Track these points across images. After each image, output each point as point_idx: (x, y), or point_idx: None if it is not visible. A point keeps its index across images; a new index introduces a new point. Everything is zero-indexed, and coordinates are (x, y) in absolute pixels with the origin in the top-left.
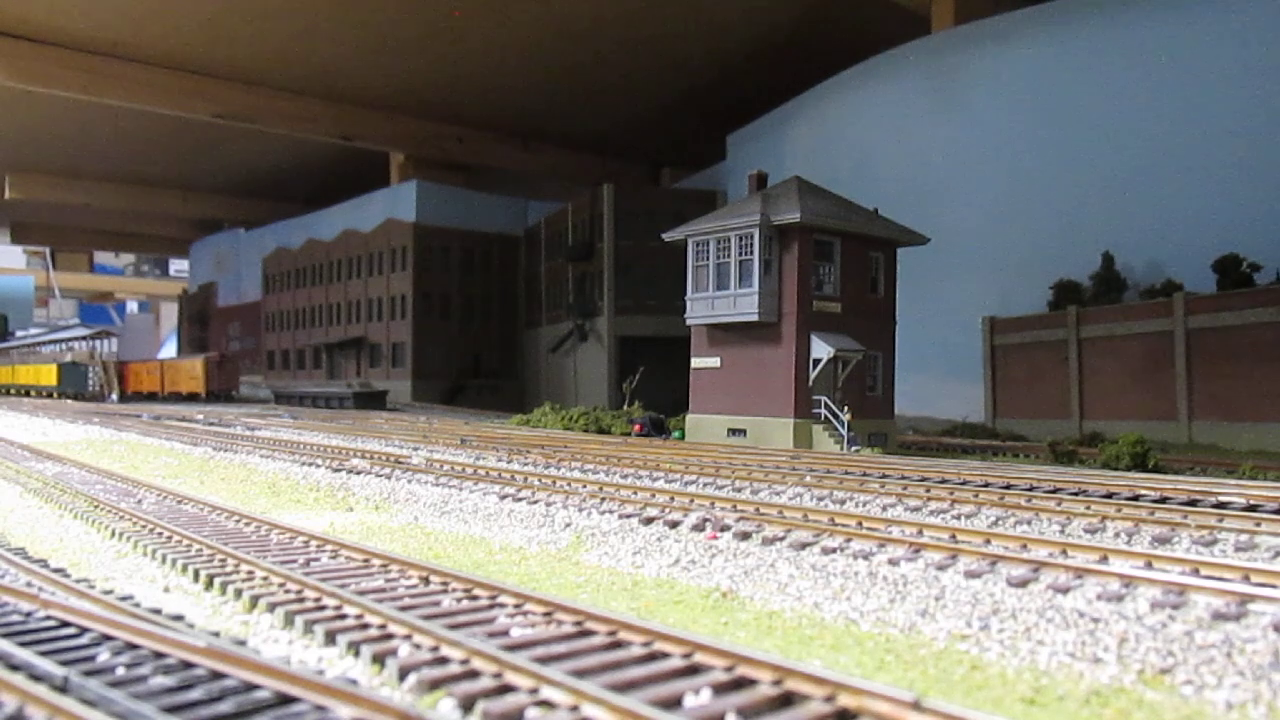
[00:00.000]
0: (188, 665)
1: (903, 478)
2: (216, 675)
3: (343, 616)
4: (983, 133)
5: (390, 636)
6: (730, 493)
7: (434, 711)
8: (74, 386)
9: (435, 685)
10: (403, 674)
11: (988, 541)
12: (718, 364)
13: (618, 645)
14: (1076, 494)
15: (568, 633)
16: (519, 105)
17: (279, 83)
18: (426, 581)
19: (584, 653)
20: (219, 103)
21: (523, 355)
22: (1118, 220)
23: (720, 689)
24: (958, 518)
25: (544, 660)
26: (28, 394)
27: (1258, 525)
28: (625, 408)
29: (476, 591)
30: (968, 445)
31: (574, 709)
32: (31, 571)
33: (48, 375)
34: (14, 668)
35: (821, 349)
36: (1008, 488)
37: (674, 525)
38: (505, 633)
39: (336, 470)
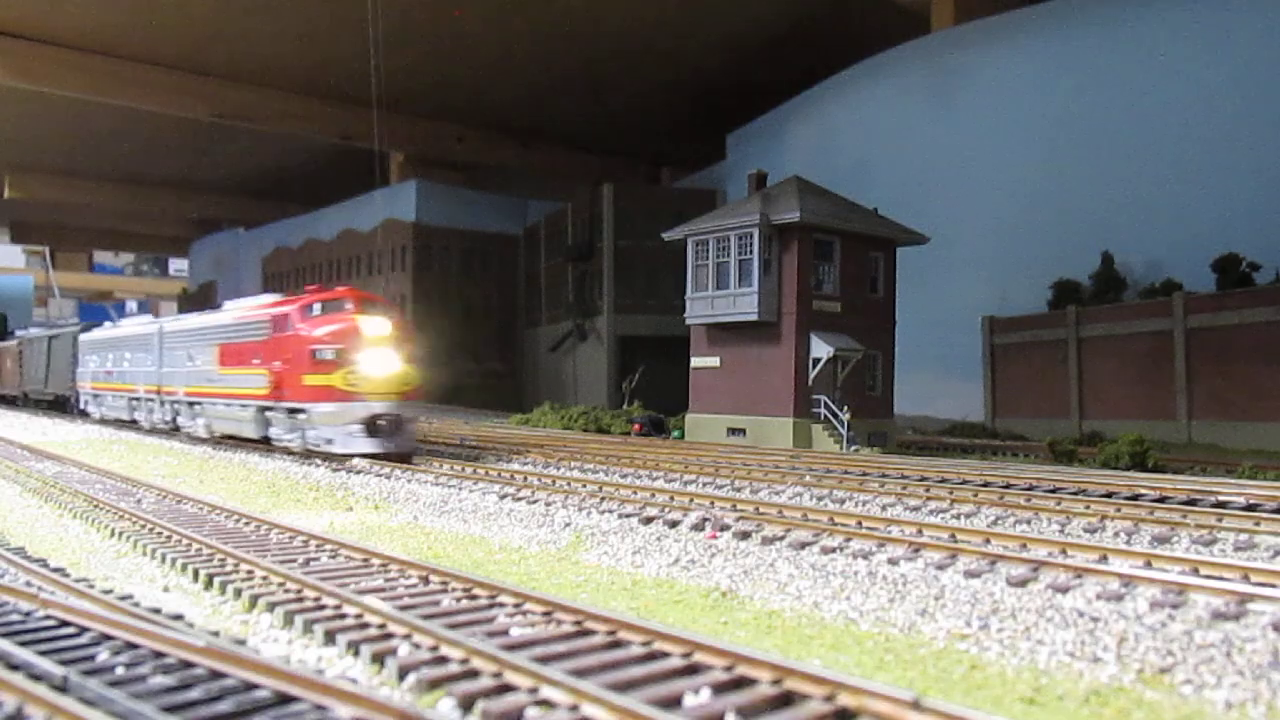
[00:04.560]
0: (187, 665)
1: (902, 477)
2: (216, 675)
3: (342, 616)
4: (983, 132)
5: (390, 636)
6: (730, 492)
7: (433, 711)
8: None
9: (435, 685)
10: (402, 673)
11: (987, 541)
12: (717, 364)
13: (617, 645)
14: (1076, 493)
15: (567, 632)
16: (519, 105)
17: (279, 83)
18: (426, 581)
19: (583, 652)
20: (219, 103)
21: (522, 355)
22: (1118, 220)
23: (720, 688)
24: (957, 517)
25: (543, 660)
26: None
27: (1257, 525)
28: (625, 407)
29: (476, 591)
30: (967, 445)
31: (573, 708)
32: (31, 571)
33: None
34: (13, 667)
35: (821, 348)
36: (1007, 487)
37: (674, 525)
38: (505, 632)
39: (336, 469)
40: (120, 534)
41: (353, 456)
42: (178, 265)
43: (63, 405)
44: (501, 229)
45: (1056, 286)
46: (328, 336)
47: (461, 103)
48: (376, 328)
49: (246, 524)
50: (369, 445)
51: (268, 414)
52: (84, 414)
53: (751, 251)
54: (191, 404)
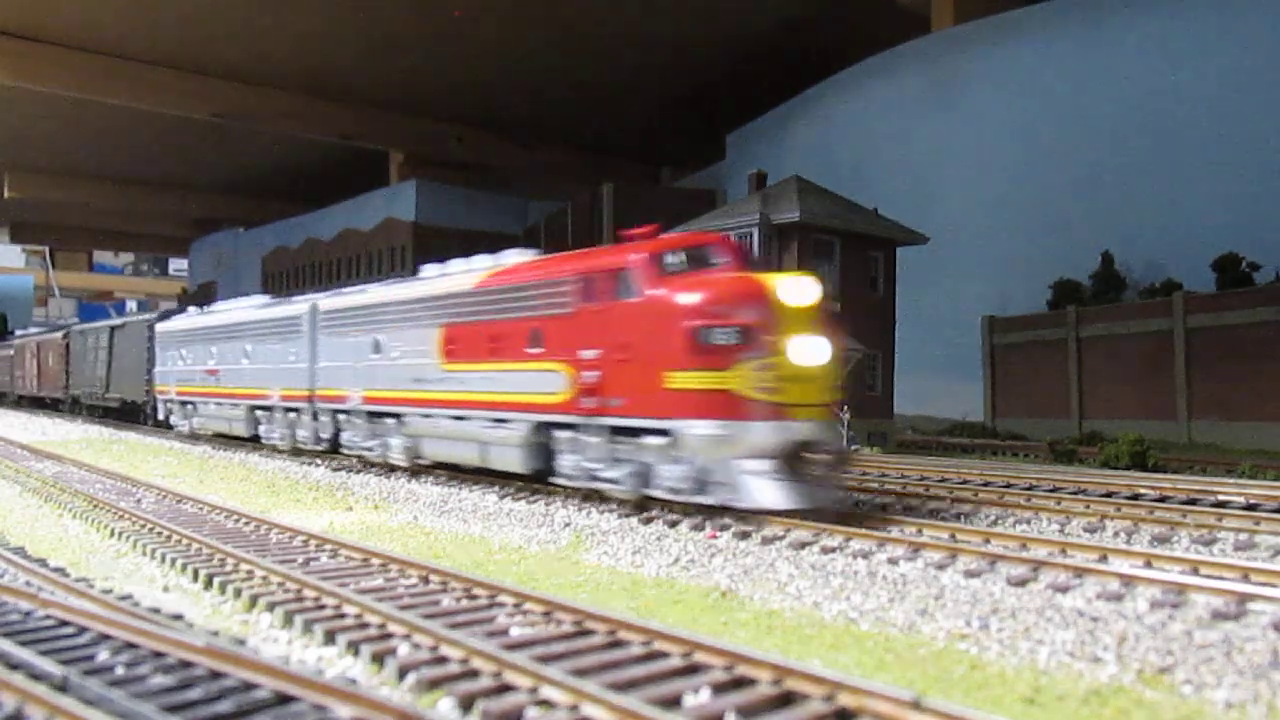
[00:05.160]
0: (187, 665)
1: (902, 477)
2: (215, 675)
3: (342, 616)
4: (982, 132)
5: (389, 636)
6: None
7: (433, 711)
8: None
9: (434, 684)
10: (402, 673)
11: (987, 541)
12: None
13: (617, 645)
14: (1076, 493)
15: (567, 632)
16: (519, 105)
17: (279, 82)
18: (426, 581)
19: (583, 652)
20: (218, 102)
21: None
22: (1117, 220)
23: (720, 688)
24: (957, 517)
25: (543, 659)
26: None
27: (1257, 524)
28: None
29: (476, 591)
30: (967, 444)
31: (573, 708)
32: (30, 571)
33: None
34: (13, 667)
35: None
36: (1007, 487)
37: (673, 524)
38: (504, 632)
39: (336, 469)
40: (120, 534)
41: (763, 514)
42: (178, 265)
43: (132, 414)
44: (501, 229)
45: (1056, 286)
46: (720, 304)
47: (461, 102)
48: (798, 291)
49: (246, 524)
50: (791, 496)
51: (556, 435)
52: (162, 425)
53: (752, 251)
54: (377, 416)
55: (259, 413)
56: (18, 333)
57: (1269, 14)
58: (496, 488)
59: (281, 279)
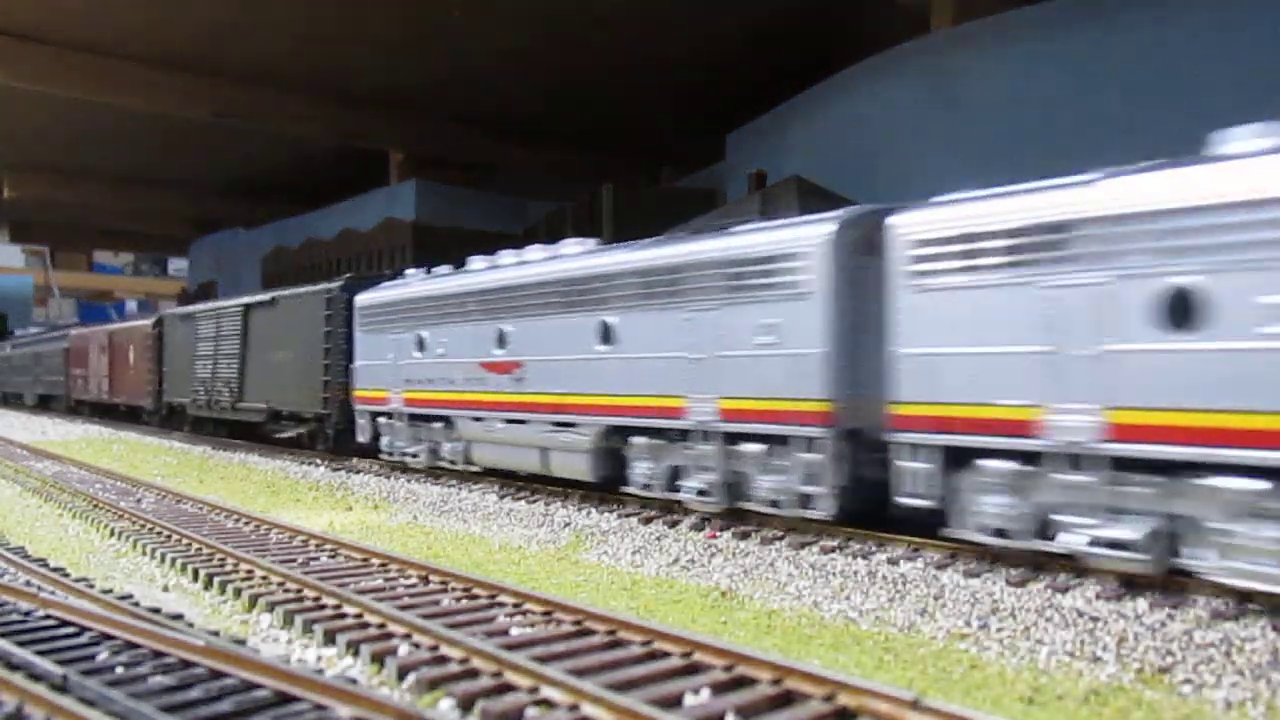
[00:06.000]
0: (187, 664)
1: None
2: (216, 674)
3: (342, 616)
4: (983, 132)
5: (389, 636)
6: None
7: (433, 711)
8: None
9: (434, 684)
10: (402, 673)
11: None
12: None
13: (617, 644)
14: None
15: (567, 632)
16: (518, 104)
17: (279, 83)
18: (425, 580)
19: (583, 652)
20: (219, 102)
21: None
22: None
23: (720, 688)
24: None
25: (543, 659)
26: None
27: None
28: None
29: (475, 591)
30: None
31: (573, 708)
32: (31, 570)
33: None
34: (13, 667)
35: None
36: None
37: (673, 524)
38: (504, 632)
39: (335, 469)
40: (120, 534)
41: None
42: (177, 265)
43: (250, 431)
44: (501, 229)
45: None
46: None
47: (461, 102)
48: None
49: (246, 524)
50: None
51: None
52: (366, 453)
53: None
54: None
55: (630, 440)
56: (16, 333)
57: (1270, 17)
58: (497, 487)
59: (282, 279)
